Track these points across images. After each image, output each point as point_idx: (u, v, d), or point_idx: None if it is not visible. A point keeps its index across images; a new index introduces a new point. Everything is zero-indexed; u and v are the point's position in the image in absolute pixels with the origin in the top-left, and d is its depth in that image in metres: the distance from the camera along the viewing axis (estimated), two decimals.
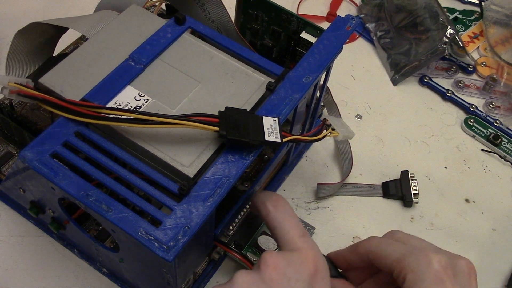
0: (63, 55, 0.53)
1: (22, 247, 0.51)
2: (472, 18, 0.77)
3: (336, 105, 0.63)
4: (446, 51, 0.70)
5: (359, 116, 0.66)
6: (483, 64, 0.72)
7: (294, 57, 0.56)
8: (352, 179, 0.60)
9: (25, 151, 0.37)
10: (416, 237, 0.44)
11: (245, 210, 0.50)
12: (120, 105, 0.41)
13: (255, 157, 0.39)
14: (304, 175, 0.60)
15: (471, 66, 0.71)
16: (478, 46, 0.75)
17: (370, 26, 0.74)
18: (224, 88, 0.44)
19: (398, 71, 0.69)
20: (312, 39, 0.52)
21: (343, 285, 0.45)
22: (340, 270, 0.47)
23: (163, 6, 0.59)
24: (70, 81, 0.42)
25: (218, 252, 0.49)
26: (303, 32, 0.52)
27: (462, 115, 0.67)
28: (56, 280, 0.50)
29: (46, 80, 0.42)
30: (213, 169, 0.38)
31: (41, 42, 0.50)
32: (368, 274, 0.46)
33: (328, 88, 0.61)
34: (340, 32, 0.47)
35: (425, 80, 0.69)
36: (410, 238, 0.43)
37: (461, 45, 0.70)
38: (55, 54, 0.53)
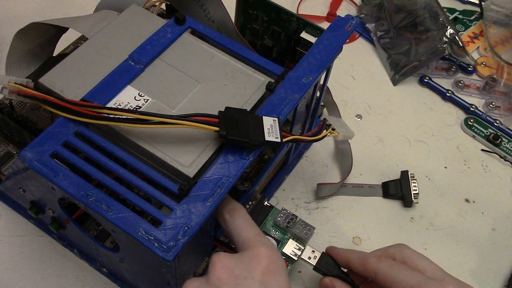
0: (63, 55, 0.53)
1: (22, 247, 0.51)
2: (472, 18, 0.77)
3: (336, 105, 0.63)
4: (446, 51, 0.69)
5: (359, 116, 0.66)
6: (483, 64, 0.72)
7: (294, 57, 0.56)
8: (352, 179, 0.60)
9: (25, 151, 0.37)
10: (424, 257, 0.43)
11: None
12: (120, 105, 0.41)
13: (255, 157, 0.39)
14: (304, 175, 0.60)
15: (471, 66, 0.71)
16: (478, 46, 0.75)
17: (370, 26, 0.74)
18: (224, 88, 0.44)
19: (398, 71, 0.69)
20: (312, 39, 0.52)
21: None
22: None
23: (163, 6, 0.59)
24: (70, 81, 0.42)
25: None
26: (303, 32, 0.52)
27: (462, 115, 0.67)
28: (56, 280, 0.50)
29: (46, 80, 0.42)
30: (213, 169, 0.38)
31: (41, 42, 0.50)
32: (365, 282, 0.45)
33: (328, 88, 0.61)
34: (340, 32, 0.47)
35: (425, 80, 0.69)
36: (419, 259, 0.43)
37: (461, 45, 0.70)
38: (55, 54, 0.53)
